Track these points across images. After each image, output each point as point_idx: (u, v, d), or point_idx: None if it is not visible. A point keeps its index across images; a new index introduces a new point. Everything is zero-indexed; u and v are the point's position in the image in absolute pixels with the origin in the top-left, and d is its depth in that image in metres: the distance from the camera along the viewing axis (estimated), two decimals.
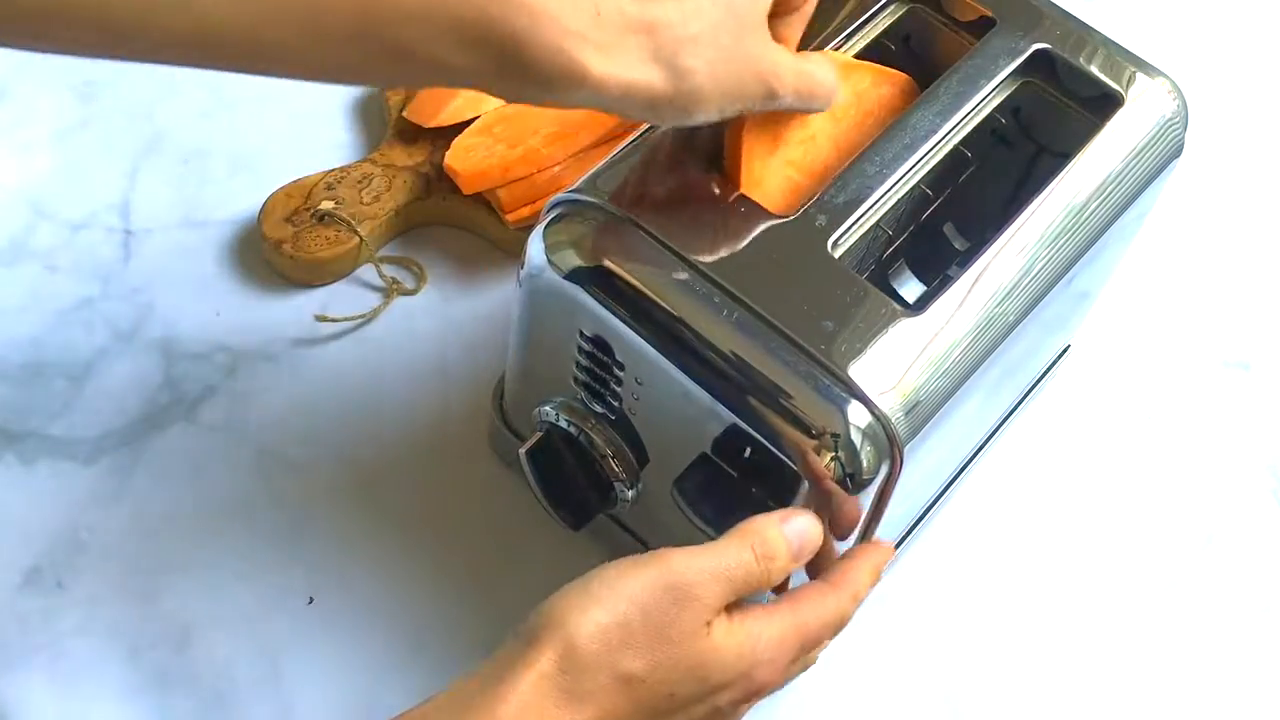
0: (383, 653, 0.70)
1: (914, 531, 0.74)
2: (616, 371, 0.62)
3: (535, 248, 0.61)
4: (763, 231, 0.60)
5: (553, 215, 0.62)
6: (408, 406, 0.78)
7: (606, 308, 0.59)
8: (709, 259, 0.58)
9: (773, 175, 0.62)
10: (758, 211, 0.60)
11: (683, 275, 0.58)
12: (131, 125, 0.88)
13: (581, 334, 0.62)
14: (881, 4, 0.69)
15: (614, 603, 0.51)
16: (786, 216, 0.60)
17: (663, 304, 0.58)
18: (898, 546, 0.73)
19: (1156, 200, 0.69)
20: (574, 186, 0.62)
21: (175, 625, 0.70)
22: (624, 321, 0.59)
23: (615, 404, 0.64)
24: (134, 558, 0.72)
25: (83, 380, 0.78)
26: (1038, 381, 0.80)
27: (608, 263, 0.59)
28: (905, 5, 0.69)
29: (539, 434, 0.67)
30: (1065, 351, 0.81)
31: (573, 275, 0.60)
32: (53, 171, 0.85)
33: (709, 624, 0.52)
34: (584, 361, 0.63)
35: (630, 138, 0.64)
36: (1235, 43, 1.02)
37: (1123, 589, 0.76)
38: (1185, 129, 0.67)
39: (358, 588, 0.72)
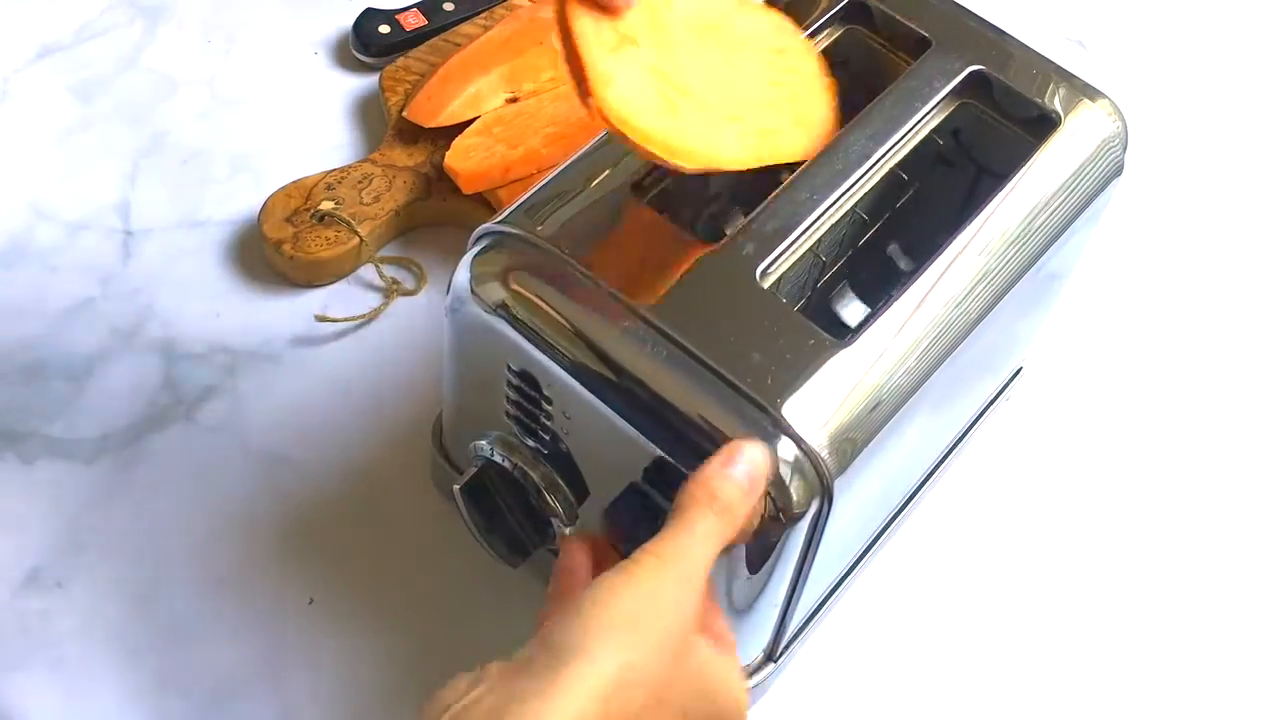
0: (384, 653, 0.70)
1: (862, 560, 0.72)
2: (545, 406, 0.60)
3: (461, 280, 0.60)
4: (691, 262, 0.58)
5: (479, 247, 0.60)
6: (408, 406, 0.78)
7: (532, 342, 0.58)
8: (635, 292, 0.57)
9: (629, 76, 0.56)
10: (686, 242, 0.59)
11: (608, 309, 0.57)
12: (131, 125, 0.88)
13: (509, 368, 0.60)
14: (818, 25, 0.68)
15: (648, 625, 0.49)
16: (714, 246, 0.59)
17: (588, 338, 0.57)
18: (845, 577, 0.72)
19: (1099, 220, 0.68)
20: (500, 217, 0.61)
21: (175, 625, 0.70)
22: (549, 356, 0.58)
23: (548, 439, 0.62)
24: (134, 558, 0.72)
25: (83, 380, 0.77)
26: (990, 404, 0.78)
27: (532, 296, 0.58)
28: (842, 26, 0.69)
29: (474, 469, 0.66)
30: (1018, 374, 0.80)
31: (498, 309, 0.59)
32: (53, 172, 0.85)
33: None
34: (514, 396, 0.62)
35: (559, 168, 0.63)
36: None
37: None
38: (1125, 149, 0.66)
39: (359, 588, 0.72)
